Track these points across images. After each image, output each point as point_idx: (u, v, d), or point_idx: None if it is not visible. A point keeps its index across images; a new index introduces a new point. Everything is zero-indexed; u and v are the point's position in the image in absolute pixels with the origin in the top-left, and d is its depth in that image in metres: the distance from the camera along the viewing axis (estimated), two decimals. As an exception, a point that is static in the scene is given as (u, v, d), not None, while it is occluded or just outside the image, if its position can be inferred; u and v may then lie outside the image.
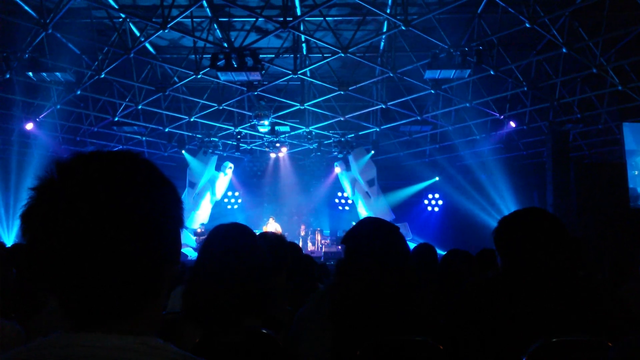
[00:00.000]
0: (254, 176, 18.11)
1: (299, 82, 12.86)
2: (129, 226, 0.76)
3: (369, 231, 2.04)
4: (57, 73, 10.27)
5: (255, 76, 9.90)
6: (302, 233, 16.02)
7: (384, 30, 10.26)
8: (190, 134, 15.66)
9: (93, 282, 0.75)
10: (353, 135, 15.73)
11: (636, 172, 12.03)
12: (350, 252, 2.01)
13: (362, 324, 1.83)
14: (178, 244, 0.87)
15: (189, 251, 14.46)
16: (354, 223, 2.26)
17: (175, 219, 0.85)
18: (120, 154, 0.83)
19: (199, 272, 1.86)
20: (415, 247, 4.29)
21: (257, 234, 3.43)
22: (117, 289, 0.77)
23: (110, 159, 0.81)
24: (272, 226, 14.38)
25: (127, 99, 13.13)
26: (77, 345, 0.75)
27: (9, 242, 12.97)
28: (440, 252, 4.32)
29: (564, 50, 9.92)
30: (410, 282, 1.97)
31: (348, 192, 17.54)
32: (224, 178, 17.40)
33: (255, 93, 12.50)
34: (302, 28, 10.15)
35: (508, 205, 14.54)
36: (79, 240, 0.74)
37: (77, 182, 0.77)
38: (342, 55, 10.38)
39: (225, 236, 1.92)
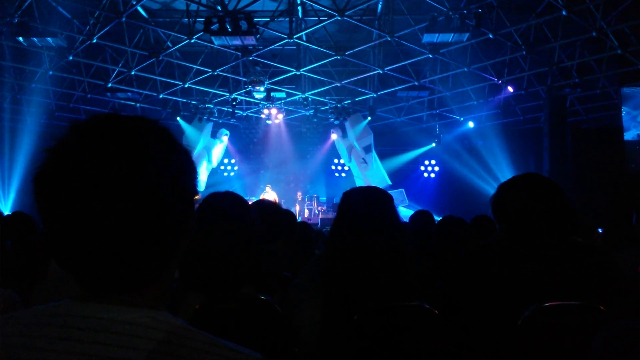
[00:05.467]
0: (250, 143, 18.02)
1: (294, 47, 12.66)
2: (147, 192, 0.74)
3: (359, 198, 2.04)
4: (48, 38, 10.08)
5: (250, 40, 9.72)
6: (299, 198, 16.07)
7: (382, -8, 10.05)
8: (184, 100, 15.50)
9: (106, 249, 0.73)
10: (350, 101, 15.59)
11: None
12: (341, 219, 2.02)
13: (353, 290, 1.84)
14: (192, 215, 0.85)
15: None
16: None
17: (191, 189, 0.83)
18: (138, 119, 0.81)
19: (192, 241, 1.86)
20: (413, 214, 4.32)
21: (254, 201, 3.44)
22: (131, 258, 0.75)
23: (128, 123, 0.79)
24: (269, 195, 14.41)
25: (120, 65, 12.92)
26: (84, 316, 0.74)
27: (5, 210, 12.97)
28: (437, 219, 4.34)
29: (563, 12, 9.75)
30: (402, 248, 1.98)
31: (345, 158, 17.52)
32: (220, 145, 17.31)
33: (250, 58, 12.30)
34: (297, -10, 9.93)
35: (504, 171, 14.57)
36: (93, 204, 0.71)
37: (95, 144, 0.74)
38: (339, 18, 10.18)
39: (217, 204, 1.91)
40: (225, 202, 1.93)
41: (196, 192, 0.84)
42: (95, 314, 0.74)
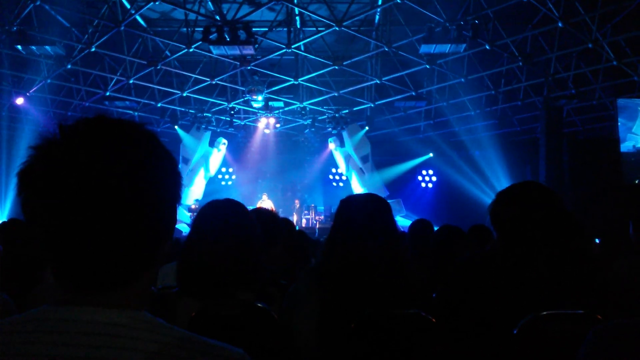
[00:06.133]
0: (248, 152, 18.03)
1: (292, 57, 12.71)
2: (129, 194, 0.74)
3: (357, 205, 2.04)
4: (47, 46, 10.09)
5: (249, 50, 9.76)
6: (297, 207, 16.05)
7: (379, 3, 10.11)
8: (183, 109, 15.51)
9: (85, 249, 0.74)
10: (347, 111, 15.64)
11: None
12: (338, 226, 2.02)
13: (349, 297, 1.84)
14: (174, 221, 0.85)
15: (184, 227, 14.48)
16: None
17: (174, 195, 0.84)
18: (125, 122, 0.81)
19: (192, 247, 1.86)
20: (412, 223, 4.32)
21: (251, 209, 3.44)
22: (111, 259, 0.75)
23: (115, 125, 0.79)
24: (265, 203, 14.39)
25: (118, 73, 12.94)
26: (64, 320, 0.74)
27: (2, 217, 12.92)
28: (436, 229, 4.34)
29: (559, 24, 9.83)
30: (400, 255, 1.98)
31: (342, 168, 17.53)
32: (218, 154, 17.32)
33: (249, 68, 12.35)
34: (295, 0, 9.98)
35: (501, 181, 14.60)
36: (75, 202, 0.72)
37: (80, 143, 0.75)
38: (337, 28, 10.23)
39: (217, 211, 1.92)
40: (224, 209, 1.93)
41: (179, 200, 0.85)
42: (73, 316, 0.74)
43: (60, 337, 0.72)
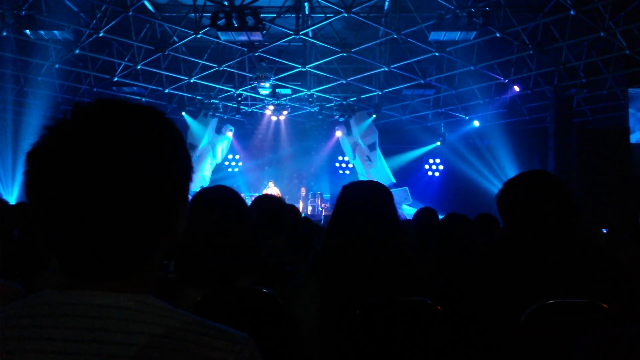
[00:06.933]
0: (254, 139, 18.03)
1: (300, 44, 12.64)
2: (138, 177, 0.73)
3: (358, 191, 2.03)
4: (55, 31, 10.09)
5: (256, 36, 9.72)
6: (303, 195, 16.07)
7: (389, -11, 10.02)
8: (190, 95, 15.51)
9: (90, 234, 0.72)
10: (355, 98, 15.56)
11: None
12: (339, 212, 2.01)
13: (349, 283, 1.84)
14: (183, 208, 0.83)
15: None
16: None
17: (184, 188, 0.82)
18: (142, 107, 0.80)
19: (186, 237, 1.86)
20: (416, 211, 4.31)
21: (257, 196, 3.44)
22: (116, 246, 0.73)
23: (131, 109, 0.78)
24: (271, 190, 14.41)
25: (126, 59, 12.93)
26: (65, 303, 0.73)
27: (11, 201, 13.03)
28: (441, 217, 4.33)
29: (571, 12, 9.69)
30: (401, 242, 1.97)
31: (349, 156, 17.50)
32: (225, 141, 17.34)
33: (256, 54, 12.29)
34: (304, -14, 9.91)
35: (508, 170, 14.52)
36: (82, 185, 0.70)
37: (91, 124, 0.73)
38: (346, 15, 10.15)
39: (208, 199, 1.91)
40: (215, 196, 1.93)
41: (188, 186, 0.83)
42: (80, 300, 0.73)
43: (67, 320, 0.71)
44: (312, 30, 11.46)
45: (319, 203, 15.82)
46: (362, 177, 16.46)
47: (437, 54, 11.84)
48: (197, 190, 1.98)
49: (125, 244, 0.74)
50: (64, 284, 0.76)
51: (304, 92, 14.96)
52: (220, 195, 1.94)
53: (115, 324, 0.72)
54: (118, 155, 0.72)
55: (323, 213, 14.85)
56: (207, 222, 1.83)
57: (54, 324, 0.71)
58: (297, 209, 4.04)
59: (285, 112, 16.26)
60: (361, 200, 1.98)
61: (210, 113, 15.81)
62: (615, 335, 0.96)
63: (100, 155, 0.71)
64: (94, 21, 10.80)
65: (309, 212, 15.17)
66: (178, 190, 0.80)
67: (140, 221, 0.74)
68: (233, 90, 14.93)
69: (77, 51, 11.81)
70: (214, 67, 13.22)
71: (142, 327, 0.72)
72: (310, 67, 13.12)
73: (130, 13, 10.27)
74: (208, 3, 10.29)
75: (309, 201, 16.02)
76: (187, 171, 0.83)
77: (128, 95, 15.38)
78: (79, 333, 0.71)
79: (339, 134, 17.08)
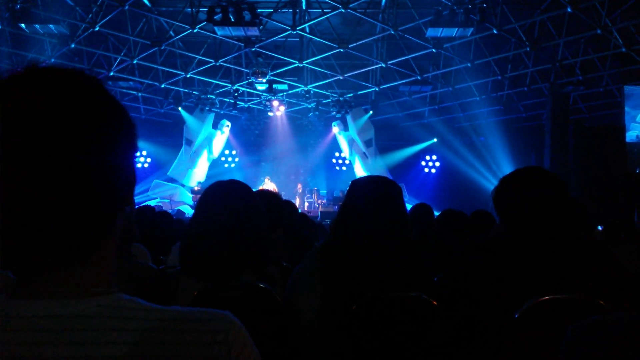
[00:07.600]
0: (251, 135, 18.00)
1: (297, 39, 12.60)
2: (78, 148, 0.64)
3: (368, 187, 2.03)
4: (51, 25, 10.03)
5: (253, 31, 9.70)
6: (300, 191, 16.06)
7: (386, -15, 10.00)
8: (186, 90, 15.46)
9: (25, 211, 0.62)
10: (352, 94, 15.55)
11: None
12: (348, 207, 2.00)
13: (354, 279, 1.84)
14: (130, 181, 0.73)
15: (186, 209, 14.53)
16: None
17: (127, 149, 0.72)
18: (70, 71, 0.71)
19: (196, 228, 1.86)
20: (412, 207, 4.31)
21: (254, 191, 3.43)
22: (56, 225, 0.63)
23: (53, 73, 0.69)
24: (268, 186, 14.39)
25: (122, 53, 12.87)
26: (13, 317, 0.64)
27: None
28: (437, 214, 4.34)
29: (568, 9, 9.70)
30: (407, 240, 1.97)
31: (345, 152, 17.49)
32: (221, 136, 17.29)
33: (253, 49, 12.26)
34: (301, -18, 9.88)
35: (505, 167, 14.55)
36: (15, 160, 0.61)
37: (24, 95, 0.65)
38: (343, 10, 10.13)
39: (222, 192, 1.90)
40: (230, 190, 1.92)
41: (134, 152, 0.74)
42: (26, 312, 0.64)
43: (16, 336, 0.62)
44: (309, 26, 11.44)
45: (316, 199, 15.81)
46: (360, 173, 16.48)
47: (434, 50, 11.84)
48: (212, 183, 1.98)
49: (67, 220, 0.64)
50: (17, 292, 0.66)
51: (301, 88, 14.93)
52: (234, 189, 1.93)
53: (78, 337, 0.63)
54: (43, 122, 0.63)
55: (320, 209, 14.84)
56: (219, 216, 1.82)
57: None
58: (294, 205, 4.03)
59: (282, 108, 16.24)
60: (371, 196, 1.97)
61: (207, 108, 15.78)
62: (600, 321, 0.96)
63: (24, 124, 0.63)
64: (90, 15, 10.74)
65: (305, 208, 15.16)
66: (121, 154, 0.71)
67: (79, 192, 0.64)
68: (230, 85, 14.90)
69: (72, 45, 11.75)
70: (211, 62, 13.18)
71: (111, 337, 0.64)
72: (307, 63, 13.10)
73: (127, 7, 10.22)
74: (205, -2, 10.26)
75: (306, 197, 16.01)
76: (128, 133, 0.73)
77: (124, 90, 15.33)
78: (31, 350, 0.62)
79: (335, 130, 17.07)
